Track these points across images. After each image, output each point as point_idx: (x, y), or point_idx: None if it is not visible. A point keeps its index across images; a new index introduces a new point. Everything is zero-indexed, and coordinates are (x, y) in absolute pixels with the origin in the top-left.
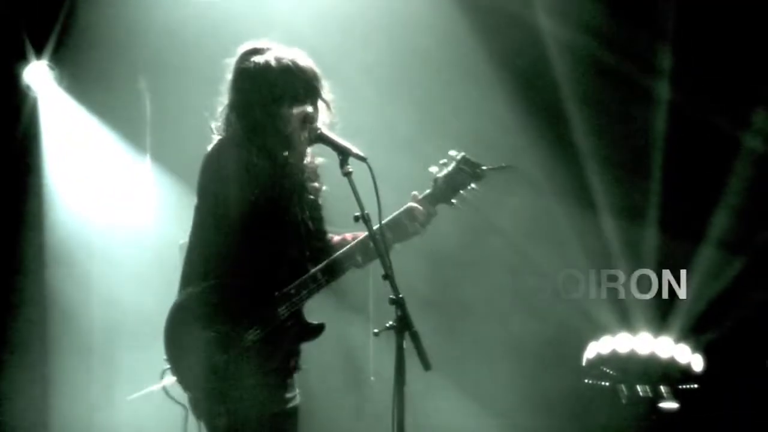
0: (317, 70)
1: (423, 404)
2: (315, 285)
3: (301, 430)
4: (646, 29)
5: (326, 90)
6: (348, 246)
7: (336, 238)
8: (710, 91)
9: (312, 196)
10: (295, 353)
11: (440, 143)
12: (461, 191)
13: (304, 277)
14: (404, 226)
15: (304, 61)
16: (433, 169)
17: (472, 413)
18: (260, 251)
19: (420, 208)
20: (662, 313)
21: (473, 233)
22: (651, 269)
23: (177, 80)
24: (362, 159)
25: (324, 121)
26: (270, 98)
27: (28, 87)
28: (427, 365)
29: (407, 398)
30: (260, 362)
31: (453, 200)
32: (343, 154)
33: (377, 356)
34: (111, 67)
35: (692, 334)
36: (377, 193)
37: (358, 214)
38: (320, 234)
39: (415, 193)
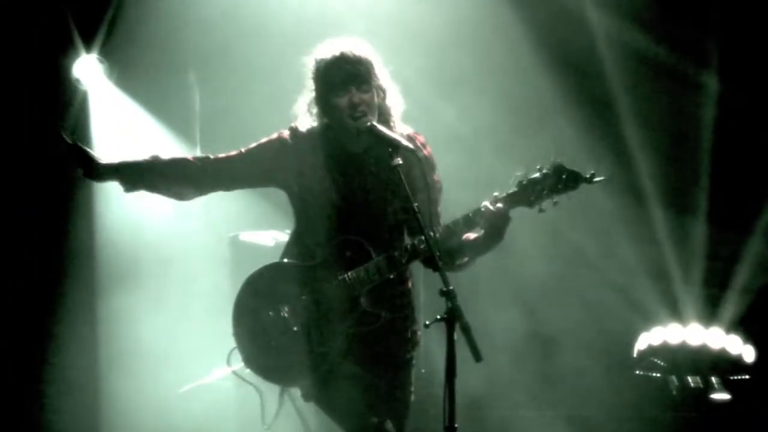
0: (364, 55)
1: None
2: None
3: None
4: (694, 20)
5: (378, 71)
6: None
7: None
8: (759, 81)
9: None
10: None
11: (489, 137)
12: (549, 197)
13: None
14: (475, 224)
15: (350, 48)
16: (524, 171)
17: (524, 405)
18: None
19: (491, 208)
20: (713, 304)
21: (520, 225)
22: (701, 260)
23: (227, 73)
24: (412, 152)
25: (380, 105)
26: (320, 92)
27: (77, 81)
28: (478, 356)
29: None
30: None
31: (537, 205)
32: (393, 147)
33: (428, 348)
34: (160, 61)
35: (743, 325)
36: (427, 185)
37: (408, 205)
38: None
39: (496, 193)
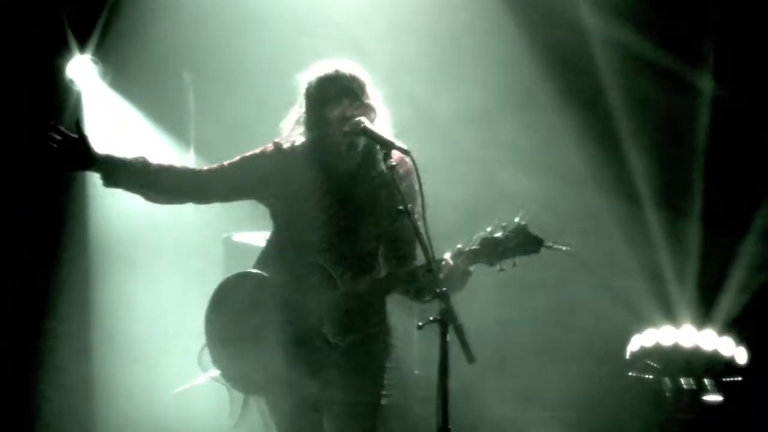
0: (358, 74)
1: (467, 397)
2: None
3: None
4: (689, 21)
5: (371, 92)
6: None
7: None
8: (754, 82)
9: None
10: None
11: (480, 136)
12: (509, 258)
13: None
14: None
15: (345, 67)
16: (489, 228)
17: (515, 406)
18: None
19: (450, 263)
20: (706, 306)
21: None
22: (695, 262)
23: (221, 74)
24: (406, 152)
25: (374, 122)
26: (312, 107)
27: (71, 81)
28: (471, 358)
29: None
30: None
31: (497, 264)
32: (386, 147)
33: (421, 349)
34: (154, 61)
35: (736, 327)
36: (420, 186)
37: (401, 207)
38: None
39: (459, 246)
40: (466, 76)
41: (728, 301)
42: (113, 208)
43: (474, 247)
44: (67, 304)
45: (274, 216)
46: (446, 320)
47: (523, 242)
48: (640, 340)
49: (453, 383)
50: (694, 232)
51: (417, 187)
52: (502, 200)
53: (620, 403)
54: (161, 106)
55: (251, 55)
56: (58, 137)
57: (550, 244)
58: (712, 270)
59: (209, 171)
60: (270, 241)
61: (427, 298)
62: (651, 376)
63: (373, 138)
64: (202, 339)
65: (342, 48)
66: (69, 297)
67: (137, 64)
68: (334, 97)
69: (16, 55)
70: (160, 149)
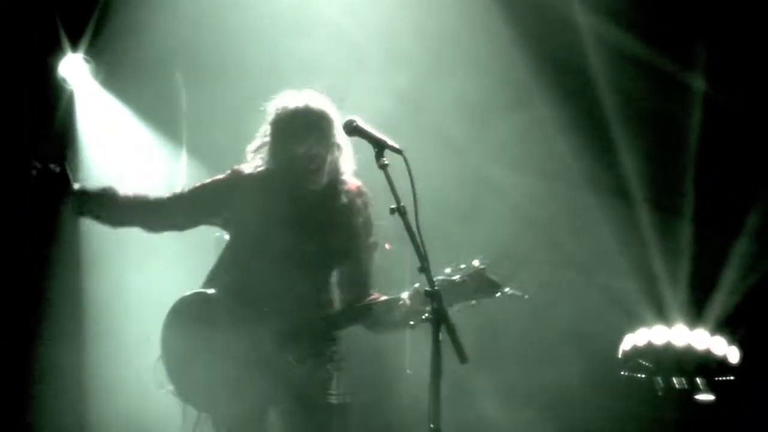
0: (327, 111)
1: (458, 397)
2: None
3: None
4: (681, 21)
5: (337, 132)
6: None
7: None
8: (746, 82)
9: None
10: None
11: (471, 134)
12: (465, 301)
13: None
14: (391, 310)
15: (315, 102)
16: (447, 270)
17: (505, 406)
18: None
19: (407, 303)
20: (698, 306)
21: (510, 228)
22: (686, 261)
23: (213, 74)
24: (398, 151)
25: (334, 161)
26: (278, 138)
27: (63, 80)
28: (463, 358)
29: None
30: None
31: (453, 306)
32: (379, 146)
33: (413, 349)
34: (147, 61)
35: (728, 326)
36: (413, 185)
37: (394, 206)
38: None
39: (417, 286)
40: (457, 75)
41: (720, 301)
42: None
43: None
44: (59, 302)
45: (231, 236)
46: (438, 320)
47: (481, 286)
48: (632, 340)
49: (445, 383)
50: (686, 232)
51: (372, 218)
52: (492, 198)
53: (612, 402)
54: (154, 106)
55: (244, 56)
56: (41, 171)
57: (507, 290)
58: (704, 270)
59: (173, 199)
60: (223, 258)
61: (380, 329)
62: (643, 376)
63: (366, 137)
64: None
65: (338, 48)
66: (61, 296)
67: (130, 64)
68: (301, 133)
69: (8, 54)
70: (152, 149)
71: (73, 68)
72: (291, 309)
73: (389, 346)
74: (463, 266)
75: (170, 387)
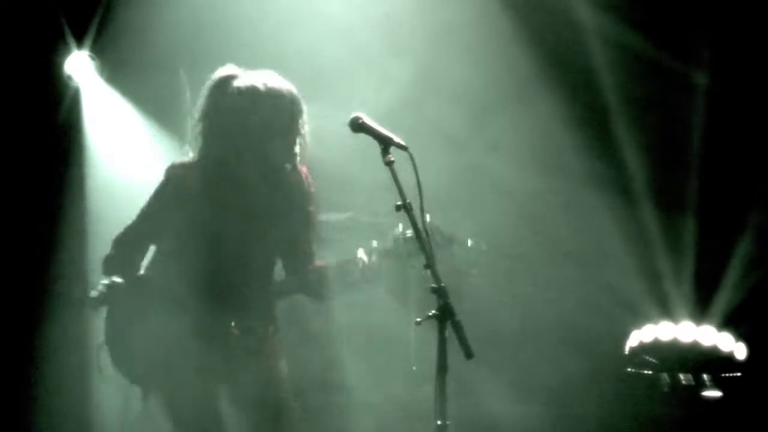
0: (294, 93)
1: (466, 393)
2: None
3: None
4: (684, 17)
5: (303, 117)
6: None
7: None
8: (750, 80)
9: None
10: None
11: (475, 132)
12: (418, 256)
13: None
14: (348, 272)
15: (281, 85)
16: (400, 226)
17: (514, 402)
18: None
19: (365, 259)
20: (704, 302)
21: (514, 228)
22: (692, 257)
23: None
24: (403, 148)
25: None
26: (247, 127)
27: (69, 77)
28: (469, 353)
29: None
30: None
31: (410, 262)
32: (384, 143)
33: (419, 345)
34: (152, 58)
35: (734, 323)
36: (419, 182)
37: (399, 203)
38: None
39: (374, 244)
40: (458, 69)
41: (725, 298)
42: (109, 209)
43: (388, 246)
44: (63, 301)
45: (174, 232)
46: (444, 316)
47: (435, 240)
48: (638, 336)
49: (451, 379)
50: (690, 229)
51: (313, 208)
52: (492, 194)
53: (618, 399)
54: (158, 103)
55: (247, 54)
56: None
57: (461, 241)
58: (708, 267)
59: (145, 229)
60: (163, 249)
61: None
62: (649, 372)
63: (372, 134)
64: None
65: (340, 44)
66: (65, 294)
67: (135, 61)
68: (276, 125)
69: (13, 52)
70: (157, 147)
71: (79, 65)
72: (233, 287)
73: (395, 343)
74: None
75: (113, 370)
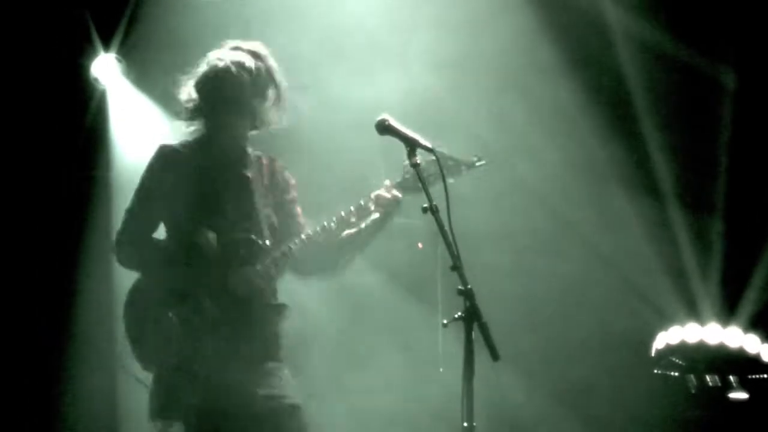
0: (271, 64)
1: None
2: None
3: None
4: (711, 15)
5: (280, 82)
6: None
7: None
8: None
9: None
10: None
11: (503, 134)
12: (435, 183)
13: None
14: (368, 210)
15: (258, 54)
16: (414, 159)
17: (540, 404)
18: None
19: (386, 194)
20: (731, 303)
21: (543, 228)
22: (719, 259)
23: None
24: (430, 150)
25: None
26: (221, 97)
27: (95, 79)
28: (495, 356)
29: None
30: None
31: (425, 190)
32: (411, 145)
33: (446, 347)
34: (177, 60)
35: (761, 324)
36: (445, 184)
37: (426, 205)
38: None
39: (387, 181)
40: (482, 69)
41: (752, 299)
42: None
43: (402, 178)
44: (89, 307)
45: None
46: (471, 318)
47: (446, 166)
48: (665, 338)
49: (477, 381)
50: (717, 230)
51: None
52: (520, 193)
53: (645, 400)
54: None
55: (273, 55)
56: None
57: (470, 162)
58: (735, 268)
59: (147, 216)
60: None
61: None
62: (676, 374)
63: (398, 136)
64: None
65: (361, 47)
66: (91, 300)
67: (160, 63)
68: (249, 93)
69: (41, 55)
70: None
71: (105, 68)
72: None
73: (422, 345)
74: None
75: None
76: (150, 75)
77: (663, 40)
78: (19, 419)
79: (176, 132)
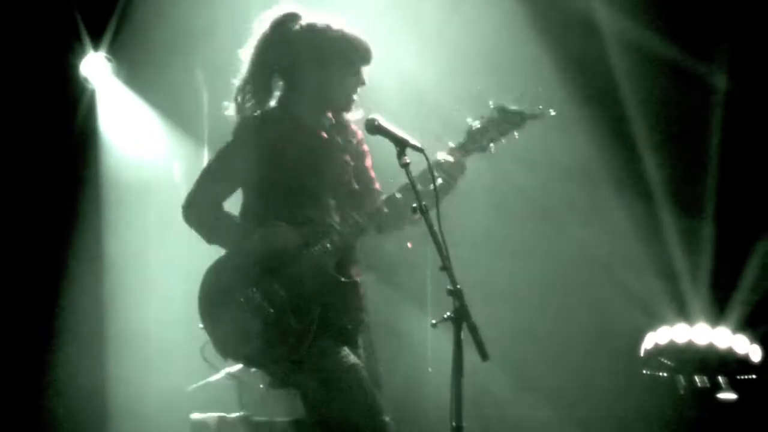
0: (363, 41)
1: (482, 394)
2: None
3: None
4: (703, 17)
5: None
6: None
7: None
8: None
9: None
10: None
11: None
12: (499, 140)
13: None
14: (433, 177)
15: (352, 28)
16: (469, 119)
17: (529, 405)
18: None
19: (450, 159)
20: (720, 304)
21: (528, 224)
22: (708, 259)
23: (234, 73)
24: (420, 150)
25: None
26: (326, 61)
27: (85, 79)
28: (484, 356)
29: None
30: None
31: (488, 149)
32: (401, 145)
33: (435, 347)
34: (168, 59)
35: (750, 325)
36: (435, 184)
37: (415, 205)
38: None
39: (450, 144)
40: (478, 72)
41: (741, 299)
42: (126, 220)
43: (463, 140)
44: (78, 302)
45: (246, 183)
46: (460, 318)
47: (507, 119)
48: (654, 338)
49: (466, 381)
50: (707, 230)
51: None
52: (511, 194)
53: (634, 401)
54: (175, 104)
55: None
56: None
57: (532, 112)
58: (725, 269)
59: (222, 191)
60: (243, 212)
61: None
62: (665, 374)
63: (388, 135)
64: (204, 337)
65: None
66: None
67: (151, 62)
68: (354, 63)
69: (29, 54)
70: (174, 148)
71: (95, 67)
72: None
73: (411, 345)
74: (482, 115)
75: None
76: (140, 74)
77: (654, 41)
78: (6, 418)
79: None
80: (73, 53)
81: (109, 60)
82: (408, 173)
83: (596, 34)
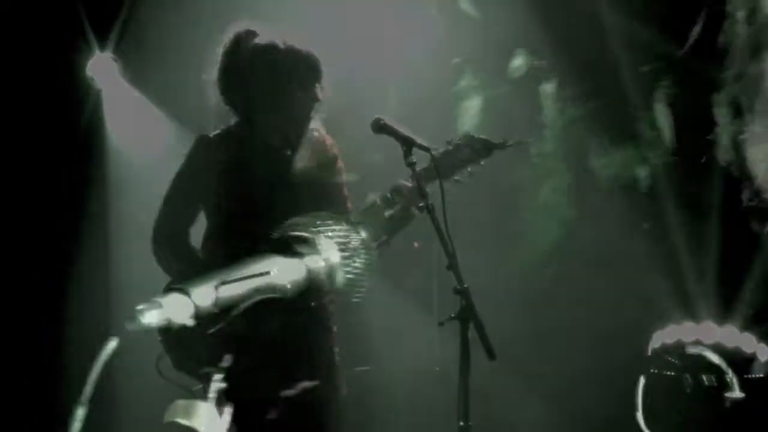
0: (316, 53)
1: (489, 394)
2: None
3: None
4: (708, 18)
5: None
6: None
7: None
8: None
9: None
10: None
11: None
12: (463, 168)
13: None
14: (393, 203)
15: (305, 42)
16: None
17: (535, 403)
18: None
19: (409, 185)
20: (727, 303)
21: (534, 223)
22: (715, 258)
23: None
24: (426, 149)
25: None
26: (279, 80)
27: (91, 79)
28: (491, 355)
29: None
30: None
31: (452, 177)
32: (407, 144)
33: (442, 346)
34: (174, 59)
35: (758, 324)
36: (441, 183)
37: (421, 204)
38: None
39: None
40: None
41: (748, 298)
42: (132, 210)
43: (427, 165)
44: (85, 304)
45: (208, 207)
46: (467, 317)
47: (474, 148)
48: (661, 337)
49: (473, 381)
50: (714, 229)
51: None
52: (514, 194)
53: (641, 400)
54: (181, 104)
55: None
56: None
57: (498, 142)
58: (732, 267)
59: (186, 216)
60: (208, 237)
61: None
62: (672, 373)
63: (394, 135)
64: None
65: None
66: (87, 297)
67: (157, 62)
68: (305, 79)
69: (35, 54)
70: (180, 146)
71: (101, 67)
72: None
73: (418, 344)
74: (449, 140)
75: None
76: (146, 74)
77: (659, 40)
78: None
79: None
80: (79, 53)
81: (115, 60)
82: (414, 172)
83: (602, 34)
